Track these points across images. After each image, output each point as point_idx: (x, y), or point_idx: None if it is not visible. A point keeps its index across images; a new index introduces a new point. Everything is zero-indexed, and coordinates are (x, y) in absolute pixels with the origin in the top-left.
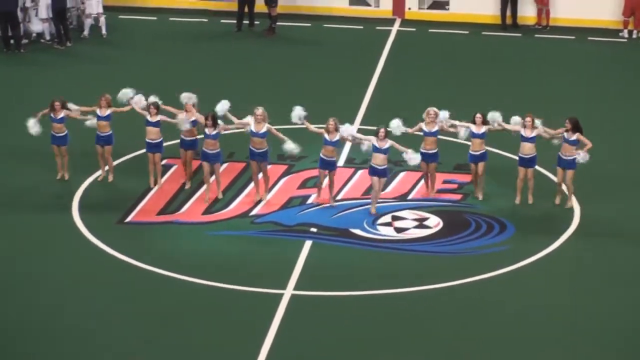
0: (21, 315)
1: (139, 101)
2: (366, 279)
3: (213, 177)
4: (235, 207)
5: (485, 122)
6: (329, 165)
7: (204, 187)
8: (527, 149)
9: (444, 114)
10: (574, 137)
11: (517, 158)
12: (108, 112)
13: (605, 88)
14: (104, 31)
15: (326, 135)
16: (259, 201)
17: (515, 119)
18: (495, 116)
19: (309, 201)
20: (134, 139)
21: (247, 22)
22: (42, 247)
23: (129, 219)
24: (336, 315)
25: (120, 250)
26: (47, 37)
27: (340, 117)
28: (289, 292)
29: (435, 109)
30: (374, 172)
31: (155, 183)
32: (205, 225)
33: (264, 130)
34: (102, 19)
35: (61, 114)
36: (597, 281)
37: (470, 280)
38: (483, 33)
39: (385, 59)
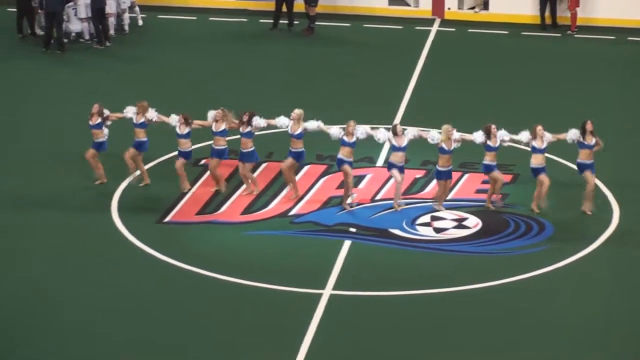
0: (61, 312)
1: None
2: (405, 279)
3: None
4: (274, 207)
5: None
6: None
7: (244, 186)
8: (539, 160)
9: (478, 136)
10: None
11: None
12: (142, 119)
13: None
14: (126, 28)
15: (345, 137)
16: (298, 200)
17: (525, 134)
18: (502, 134)
19: (348, 201)
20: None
21: (286, 21)
22: (82, 246)
23: (168, 218)
24: (375, 315)
25: (158, 250)
26: (87, 37)
27: (380, 117)
28: (327, 292)
29: (449, 125)
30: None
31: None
32: (244, 225)
33: (299, 131)
34: (126, 16)
35: (99, 120)
36: (634, 285)
37: (508, 281)
38: (522, 33)
39: (424, 59)
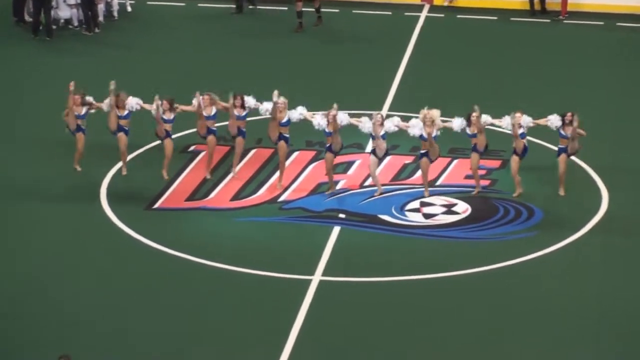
0: (51, 302)
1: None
2: (394, 265)
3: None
4: (263, 193)
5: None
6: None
7: (231, 174)
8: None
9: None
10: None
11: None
12: (125, 111)
13: (634, 74)
14: (115, 14)
15: (326, 129)
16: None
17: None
18: (485, 118)
19: (338, 187)
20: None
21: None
22: (71, 234)
23: (157, 205)
24: (365, 301)
25: (148, 237)
26: (75, 23)
27: (369, 104)
28: (317, 277)
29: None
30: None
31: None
32: (233, 212)
33: (285, 119)
34: (115, 3)
35: (83, 110)
36: (623, 271)
37: (499, 266)
38: (511, 19)
39: (413, 45)
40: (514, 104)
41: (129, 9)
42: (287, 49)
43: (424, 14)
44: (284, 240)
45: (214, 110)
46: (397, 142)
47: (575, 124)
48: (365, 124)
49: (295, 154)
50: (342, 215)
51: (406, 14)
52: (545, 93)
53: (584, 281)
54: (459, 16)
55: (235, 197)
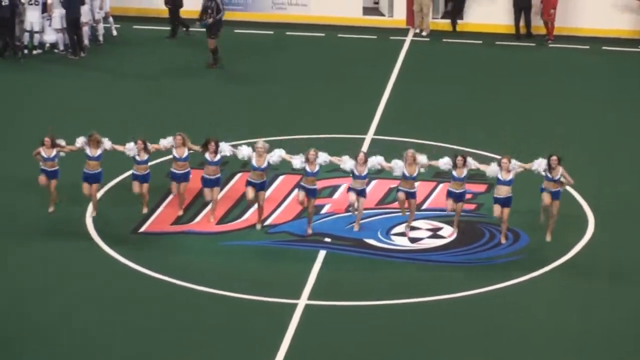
0: (34, 323)
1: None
2: (380, 289)
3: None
4: (249, 217)
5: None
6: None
7: (209, 207)
8: (504, 192)
9: (422, 159)
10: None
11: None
12: (99, 152)
13: (620, 98)
14: (100, 38)
15: (307, 167)
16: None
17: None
18: (470, 162)
19: (324, 211)
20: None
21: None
22: (57, 257)
23: (143, 229)
24: (350, 325)
25: (133, 260)
26: (61, 47)
27: (354, 128)
28: (303, 302)
29: (413, 151)
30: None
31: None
32: (219, 235)
33: (264, 165)
34: (100, 27)
35: (53, 152)
36: (609, 295)
37: (485, 290)
38: (497, 43)
39: (399, 69)
40: (498, 128)
41: (115, 33)
42: (273, 74)
43: (409, 38)
44: (270, 265)
45: (185, 152)
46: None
47: (561, 170)
48: (346, 163)
49: (281, 177)
50: (327, 240)
51: (391, 38)
52: (531, 116)
53: (570, 305)
54: (444, 40)
55: (221, 221)
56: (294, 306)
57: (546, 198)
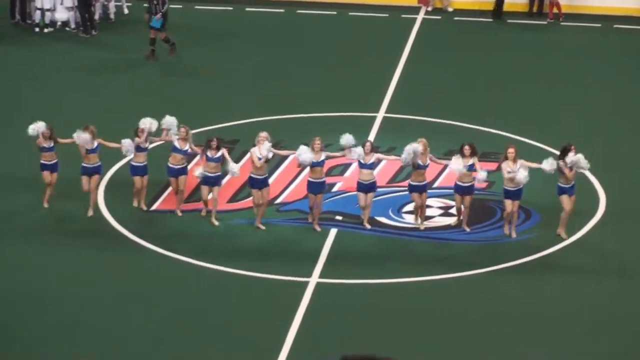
0: (48, 302)
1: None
2: (391, 267)
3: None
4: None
5: (473, 153)
6: (319, 187)
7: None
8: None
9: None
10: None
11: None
12: (95, 144)
13: (632, 77)
14: (112, 16)
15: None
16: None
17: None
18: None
19: (335, 189)
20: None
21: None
22: (68, 234)
23: (154, 207)
24: (361, 302)
25: (144, 238)
26: (73, 26)
27: (365, 107)
28: (314, 279)
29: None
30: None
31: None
32: (230, 213)
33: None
34: (112, 5)
35: (52, 142)
36: (620, 272)
37: (496, 269)
38: (508, 20)
39: (410, 47)
40: (510, 106)
41: (126, 11)
42: (285, 52)
43: (420, 16)
44: (281, 242)
45: (187, 145)
46: (393, 144)
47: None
48: (355, 152)
49: (292, 156)
50: (339, 218)
51: (403, 16)
52: (542, 94)
53: (581, 283)
54: (455, 18)
55: (232, 199)
56: (305, 284)
57: (566, 201)
